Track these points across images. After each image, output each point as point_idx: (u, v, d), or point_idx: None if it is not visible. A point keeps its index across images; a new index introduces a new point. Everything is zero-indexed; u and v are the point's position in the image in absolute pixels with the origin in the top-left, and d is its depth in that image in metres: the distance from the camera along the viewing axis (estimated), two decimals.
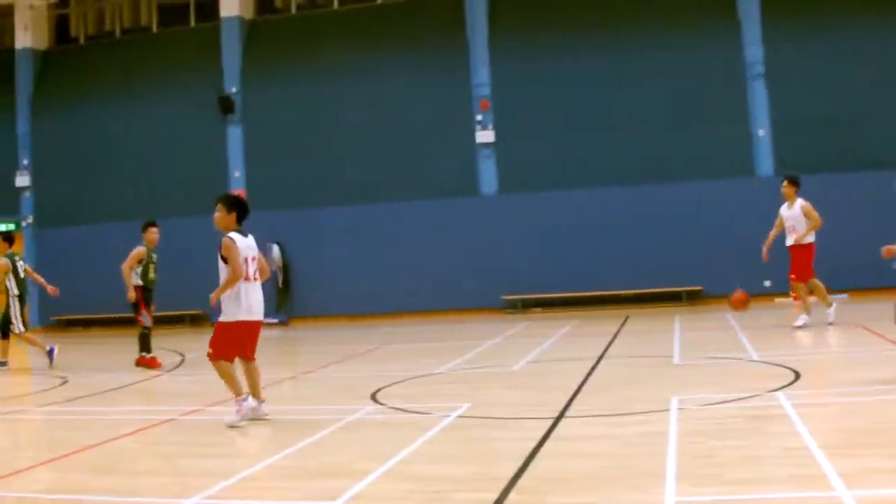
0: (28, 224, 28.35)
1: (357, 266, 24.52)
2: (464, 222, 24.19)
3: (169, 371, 15.38)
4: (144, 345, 15.57)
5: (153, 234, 15.88)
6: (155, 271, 15.73)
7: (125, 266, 15.50)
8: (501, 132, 24.32)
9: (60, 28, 29.90)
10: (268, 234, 24.79)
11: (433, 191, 24.44)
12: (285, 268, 25.16)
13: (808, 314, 15.97)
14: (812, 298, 16.36)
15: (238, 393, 9.50)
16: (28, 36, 28.89)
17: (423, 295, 24.16)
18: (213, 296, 9.51)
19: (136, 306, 15.55)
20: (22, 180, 28.37)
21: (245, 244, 9.54)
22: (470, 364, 13.98)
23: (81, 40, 29.56)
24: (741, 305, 16.87)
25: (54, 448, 8.60)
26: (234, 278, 9.31)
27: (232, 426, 9.24)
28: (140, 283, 15.44)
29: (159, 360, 15.62)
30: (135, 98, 27.42)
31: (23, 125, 28.70)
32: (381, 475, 6.94)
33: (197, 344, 20.47)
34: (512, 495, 6.19)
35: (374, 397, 10.73)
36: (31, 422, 11.18)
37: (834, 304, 16.24)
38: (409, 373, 12.95)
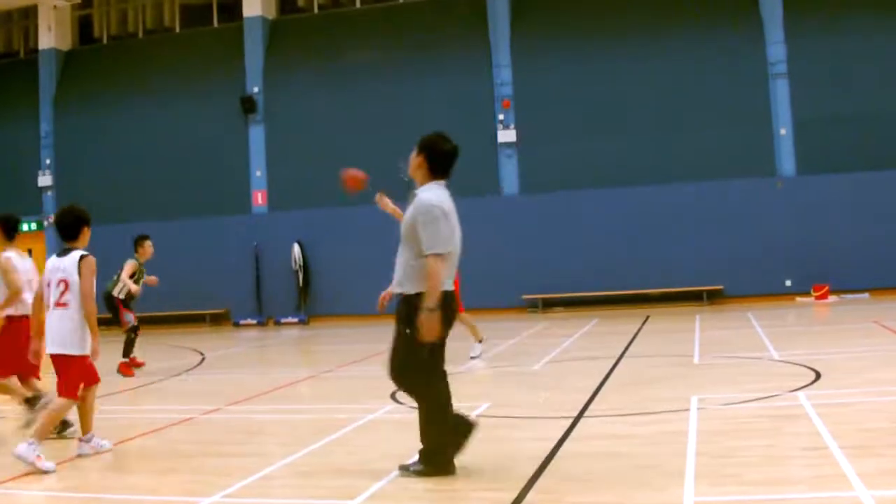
0: (50, 223, 28.49)
1: (377, 265, 24.28)
2: (485, 221, 24.15)
3: (189, 370, 15.42)
4: (128, 349, 15.13)
5: (148, 248, 15.54)
6: (141, 283, 15.41)
7: (126, 277, 15.14)
8: (523, 132, 24.30)
9: (84, 28, 30.03)
10: (288, 232, 24.88)
11: (454, 190, 24.37)
12: (305, 267, 25.17)
13: None
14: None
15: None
16: (52, 36, 29.04)
17: None
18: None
19: (116, 313, 15.13)
20: (44, 180, 28.54)
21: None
22: (490, 363, 13.99)
23: (104, 41, 29.68)
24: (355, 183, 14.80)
25: (75, 448, 8.64)
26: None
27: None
28: (121, 297, 15.10)
29: (133, 370, 14.93)
30: (157, 98, 27.53)
31: (46, 125, 28.86)
32: (400, 474, 6.93)
33: (218, 343, 20.56)
34: (531, 495, 6.20)
35: (393, 396, 10.71)
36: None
37: None
38: None
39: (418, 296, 6.75)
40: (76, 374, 8.14)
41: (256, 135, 26.44)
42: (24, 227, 28.40)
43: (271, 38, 27.02)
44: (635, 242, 23.56)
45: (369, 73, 25.64)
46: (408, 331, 6.81)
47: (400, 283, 7.01)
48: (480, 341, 14.58)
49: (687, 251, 23.23)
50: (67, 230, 8.59)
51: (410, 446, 7.75)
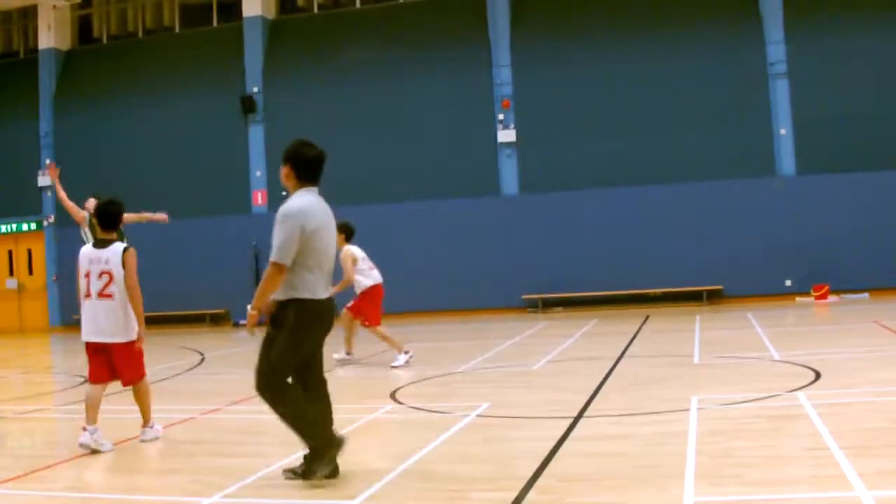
0: (50, 223, 28.51)
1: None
2: (484, 222, 24.17)
3: (188, 370, 15.44)
4: None
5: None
6: None
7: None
8: (523, 132, 24.29)
9: (83, 28, 30.05)
10: None
11: (454, 190, 24.43)
12: None
13: None
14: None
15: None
16: (51, 36, 29.07)
17: (443, 294, 24.15)
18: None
19: None
20: (44, 180, 28.52)
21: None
22: (490, 363, 13.98)
23: (104, 40, 29.69)
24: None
25: (75, 447, 8.64)
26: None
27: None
28: None
29: None
30: (157, 98, 27.52)
31: (45, 125, 28.87)
32: (400, 474, 6.98)
33: (217, 343, 20.56)
34: (531, 495, 6.21)
35: (393, 396, 10.76)
36: (51, 421, 11.24)
37: None
38: (429, 372, 13.00)
39: (281, 302, 6.92)
40: (136, 357, 8.80)
41: (256, 134, 26.44)
42: (24, 226, 28.56)
43: (271, 37, 27.02)
44: (635, 242, 23.57)
45: (369, 73, 25.64)
46: (272, 332, 7.00)
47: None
48: (406, 352, 14.36)
49: (687, 251, 23.24)
50: (110, 220, 8.88)
51: (411, 446, 7.80)
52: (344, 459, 7.61)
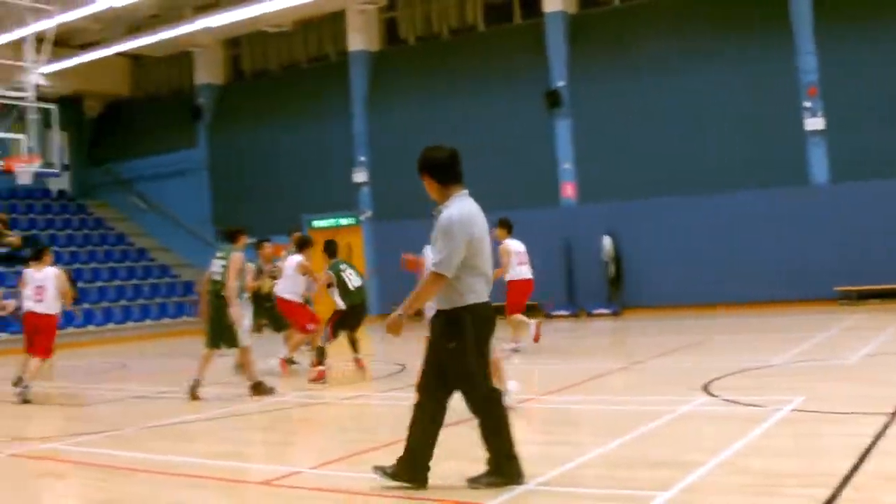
0: (367, 218, 29.94)
1: (687, 256, 24.35)
2: (792, 212, 23.49)
3: (504, 360, 15.87)
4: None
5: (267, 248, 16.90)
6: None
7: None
8: (831, 119, 23.42)
9: (390, 30, 31.28)
10: (598, 225, 25.08)
11: (759, 181, 23.89)
12: (616, 259, 25.28)
13: None
14: None
15: None
16: (360, 38, 30.48)
17: (753, 286, 23.66)
18: None
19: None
20: (359, 176, 30.00)
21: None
22: (803, 356, 13.69)
23: (411, 41, 30.86)
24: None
25: (395, 432, 9.15)
26: None
27: None
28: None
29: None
30: (463, 95, 28.29)
31: (359, 124, 30.28)
32: (713, 467, 7.00)
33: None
34: (846, 492, 6.12)
35: (706, 388, 10.76)
36: (373, 406, 11.94)
37: None
38: (741, 364, 12.84)
39: (451, 311, 6.83)
40: None
41: (563, 128, 26.73)
42: (343, 221, 30.16)
43: (573, 32, 27.25)
44: None
45: (672, 63, 25.40)
46: (451, 345, 6.82)
47: (437, 298, 6.96)
48: (517, 342, 16.52)
49: None
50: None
51: (724, 439, 7.85)
52: (657, 451, 7.78)
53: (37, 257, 14.73)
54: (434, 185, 7.05)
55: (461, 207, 6.89)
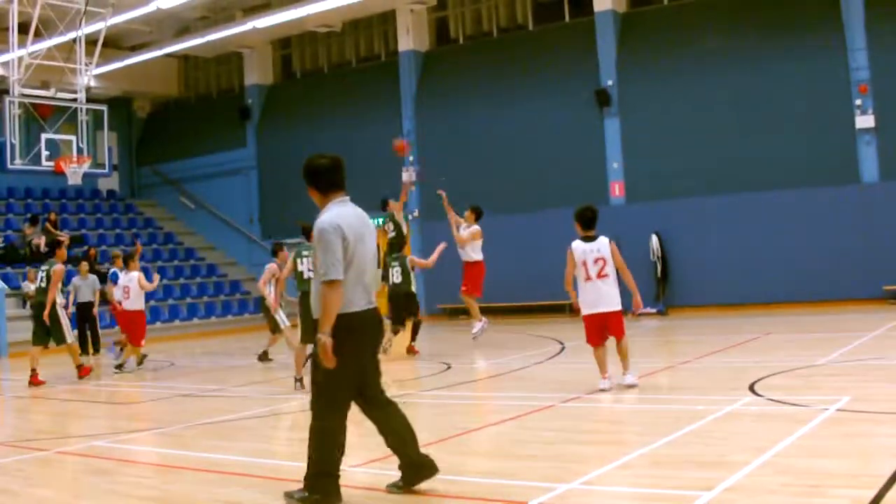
0: (415, 217, 30.00)
1: (734, 255, 24.21)
2: (843, 210, 23.27)
3: (548, 359, 15.94)
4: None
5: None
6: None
7: (263, 284, 17.67)
8: (882, 117, 23.16)
9: (440, 30, 31.37)
10: (646, 223, 25.00)
11: (809, 179, 23.69)
12: (663, 258, 25.17)
13: None
14: None
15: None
16: (410, 38, 30.56)
17: (800, 285, 23.49)
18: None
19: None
20: (406, 176, 30.07)
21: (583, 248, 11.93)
22: (850, 356, 13.56)
23: (460, 40, 30.88)
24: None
25: (438, 431, 9.21)
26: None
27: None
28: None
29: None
30: (513, 94, 28.29)
31: (408, 123, 30.38)
32: (758, 467, 6.98)
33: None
34: (891, 493, 6.09)
35: (751, 388, 10.71)
36: (416, 406, 11.99)
37: None
38: (788, 364, 12.76)
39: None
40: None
41: (612, 127, 26.67)
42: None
43: (623, 30, 27.17)
44: None
45: (721, 62, 25.22)
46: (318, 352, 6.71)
47: (314, 306, 6.87)
48: (481, 321, 17.57)
49: None
50: (591, 222, 12.07)
51: (768, 439, 7.83)
52: (702, 450, 7.77)
53: (125, 264, 18.96)
54: (315, 193, 6.97)
55: (333, 214, 6.79)
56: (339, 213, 6.78)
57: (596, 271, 11.73)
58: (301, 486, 6.86)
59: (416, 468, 7.06)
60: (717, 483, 6.55)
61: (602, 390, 11.33)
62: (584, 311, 11.81)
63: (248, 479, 7.84)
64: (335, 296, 6.57)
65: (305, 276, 13.09)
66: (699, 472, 7.02)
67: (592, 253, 11.87)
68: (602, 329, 11.63)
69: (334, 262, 6.58)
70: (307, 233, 13.47)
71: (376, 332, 7.05)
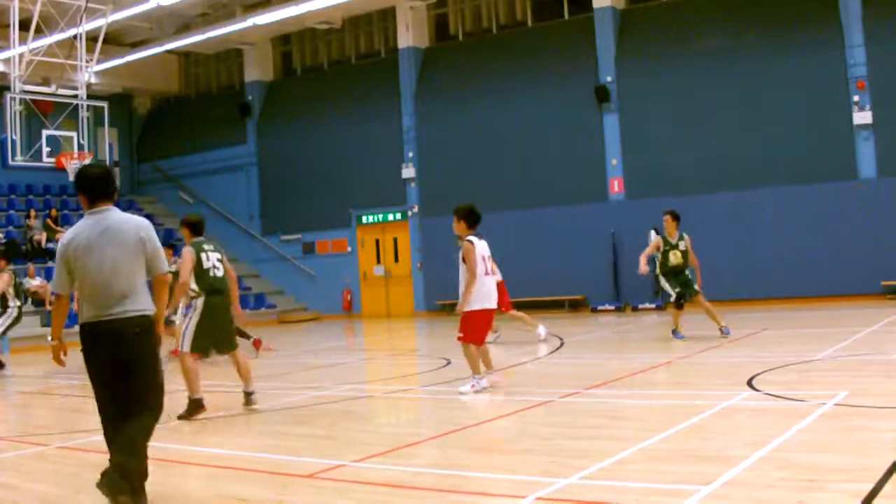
0: (414, 213, 30.05)
1: (732, 251, 24.24)
2: (841, 206, 23.31)
3: (548, 354, 15.97)
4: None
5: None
6: None
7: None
8: (879, 114, 23.19)
9: (440, 26, 31.42)
10: (645, 220, 25.01)
11: (808, 175, 23.72)
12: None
13: None
14: None
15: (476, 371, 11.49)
16: (410, 35, 30.61)
17: (798, 280, 23.55)
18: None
19: None
20: (408, 172, 30.12)
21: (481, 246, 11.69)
22: (848, 351, 13.55)
23: (460, 37, 30.91)
24: None
25: (438, 426, 9.23)
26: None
27: (462, 394, 11.09)
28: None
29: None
30: (512, 91, 28.35)
31: (407, 120, 30.43)
32: (756, 461, 6.99)
33: (576, 328, 21.06)
34: (888, 487, 6.10)
35: (750, 383, 10.73)
36: (416, 401, 12.02)
37: None
38: (786, 359, 12.77)
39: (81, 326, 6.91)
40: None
41: (611, 123, 26.72)
42: (390, 216, 30.30)
43: (622, 27, 27.20)
44: None
45: (719, 58, 25.27)
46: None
47: None
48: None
49: None
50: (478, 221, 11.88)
51: (766, 434, 7.84)
52: (699, 445, 7.79)
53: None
54: (84, 201, 6.94)
55: (71, 230, 6.90)
56: (75, 229, 6.88)
57: (490, 267, 11.85)
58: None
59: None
60: (715, 477, 6.56)
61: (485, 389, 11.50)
62: (476, 306, 11.57)
63: (251, 475, 7.86)
64: (60, 309, 7.06)
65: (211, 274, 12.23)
66: (697, 467, 7.03)
67: (486, 250, 11.97)
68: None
69: (55, 279, 6.92)
70: (192, 225, 12.71)
71: (109, 344, 6.90)
